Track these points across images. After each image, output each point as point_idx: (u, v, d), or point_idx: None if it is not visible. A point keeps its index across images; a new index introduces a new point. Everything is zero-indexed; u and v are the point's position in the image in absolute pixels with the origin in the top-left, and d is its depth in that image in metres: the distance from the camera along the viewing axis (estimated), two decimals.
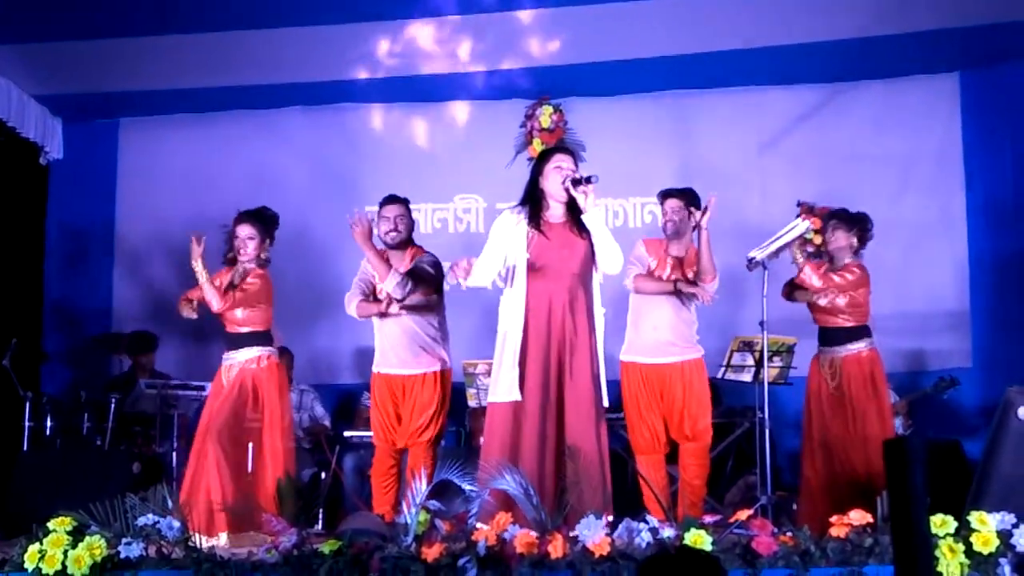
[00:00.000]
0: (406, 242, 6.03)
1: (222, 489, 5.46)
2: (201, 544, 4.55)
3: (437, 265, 6.04)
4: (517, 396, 4.94)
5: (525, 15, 7.19)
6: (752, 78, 7.86)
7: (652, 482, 5.61)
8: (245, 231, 5.84)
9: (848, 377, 5.72)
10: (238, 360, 5.79)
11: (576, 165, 5.12)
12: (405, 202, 6.09)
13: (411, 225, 6.08)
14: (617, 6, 6.94)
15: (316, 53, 7.44)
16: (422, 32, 7.39)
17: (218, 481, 5.48)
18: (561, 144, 8.09)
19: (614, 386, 6.30)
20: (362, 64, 7.72)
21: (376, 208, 7.17)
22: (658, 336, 5.84)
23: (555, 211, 5.13)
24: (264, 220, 5.98)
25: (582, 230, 5.08)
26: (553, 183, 5.07)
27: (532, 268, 5.02)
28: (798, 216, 5.94)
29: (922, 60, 7.55)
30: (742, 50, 7.36)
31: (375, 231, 6.00)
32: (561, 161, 5.12)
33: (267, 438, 5.70)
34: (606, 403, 5.11)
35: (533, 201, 5.12)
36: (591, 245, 5.07)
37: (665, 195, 6.01)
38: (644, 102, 8.11)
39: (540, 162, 5.24)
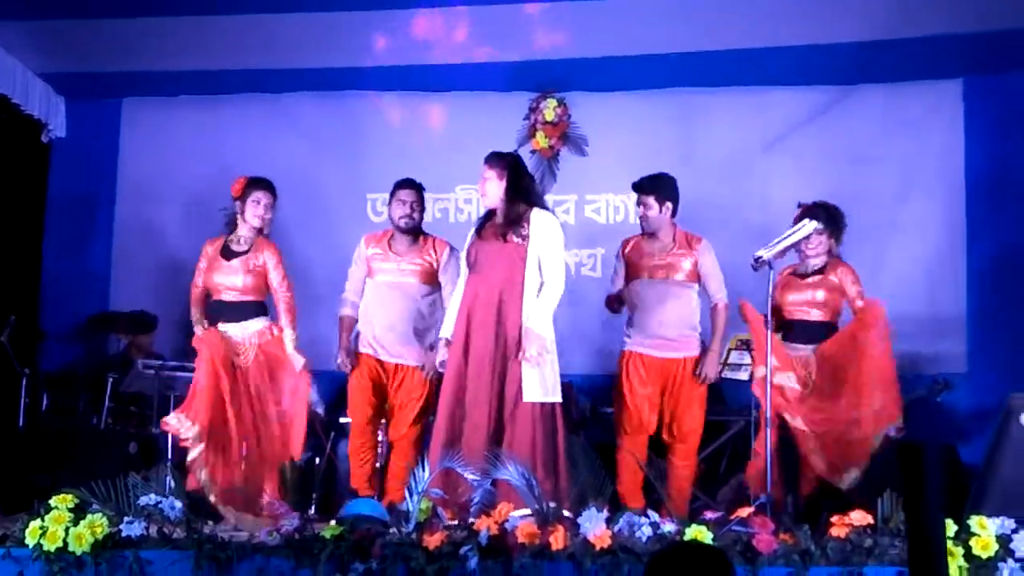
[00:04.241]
0: (417, 229, 6.09)
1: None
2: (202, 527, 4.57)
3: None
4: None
5: (532, 8, 7.17)
6: (757, 78, 7.83)
7: (630, 464, 5.77)
8: (268, 198, 5.89)
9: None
10: (248, 333, 5.80)
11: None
12: (420, 188, 6.18)
13: (423, 212, 6.14)
14: (624, 1, 6.93)
15: (323, 39, 7.41)
16: (429, 22, 7.37)
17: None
18: (564, 137, 8.14)
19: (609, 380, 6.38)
20: (369, 52, 7.67)
21: (379, 194, 7.31)
22: (664, 332, 5.88)
23: (500, 215, 5.47)
24: (275, 191, 6.03)
25: (510, 231, 5.39)
26: None
27: (469, 268, 5.47)
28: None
29: (927, 65, 7.54)
30: (748, 49, 7.36)
31: (391, 215, 6.18)
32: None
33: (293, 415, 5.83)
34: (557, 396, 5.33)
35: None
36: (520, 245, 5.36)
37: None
38: (649, 98, 8.08)
39: None
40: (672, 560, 2.93)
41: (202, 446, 5.50)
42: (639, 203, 6.03)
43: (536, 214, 5.39)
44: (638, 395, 5.90)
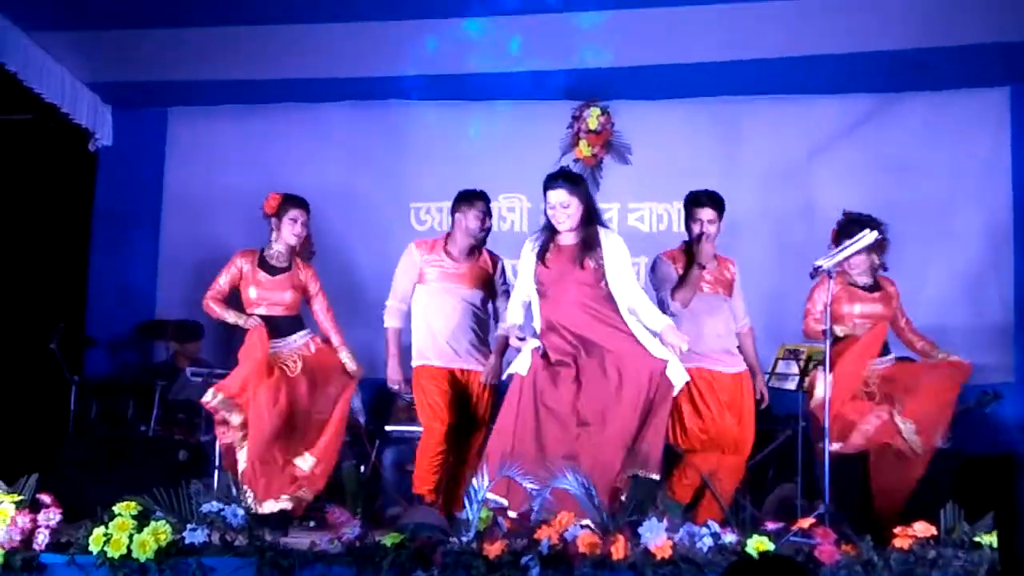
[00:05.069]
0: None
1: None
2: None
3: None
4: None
5: (576, 17, 7.17)
6: (801, 86, 7.84)
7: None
8: (304, 216, 5.93)
9: None
10: (294, 347, 5.85)
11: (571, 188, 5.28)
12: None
13: None
14: (668, 10, 6.91)
15: (365, 49, 7.45)
16: (472, 31, 7.38)
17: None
18: (608, 146, 8.14)
19: None
20: (410, 61, 7.70)
21: (423, 203, 7.33)
22: (723, 344, 5.87)
23: (565, 238, 5.32)
24: (308, 207, 6.07)
25: (586, 257, 5.25)
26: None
27: (539, 295, 5.31)
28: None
29: (973, 73, 7.52)
30: (792, 57, 7.35)
31: (468, 226, 6.14)
32: (550, 198, 5.29)
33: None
34: None
35: (549, 227, 5.34)
36: (596, 270, 5.25)
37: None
38: (692, 107, 8.10)
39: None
40: (751, 572, 2.94)
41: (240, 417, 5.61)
42: (697, 217, 5.97)
43: (604, 235, 5.32)
44: (712, 410, 5.80)
